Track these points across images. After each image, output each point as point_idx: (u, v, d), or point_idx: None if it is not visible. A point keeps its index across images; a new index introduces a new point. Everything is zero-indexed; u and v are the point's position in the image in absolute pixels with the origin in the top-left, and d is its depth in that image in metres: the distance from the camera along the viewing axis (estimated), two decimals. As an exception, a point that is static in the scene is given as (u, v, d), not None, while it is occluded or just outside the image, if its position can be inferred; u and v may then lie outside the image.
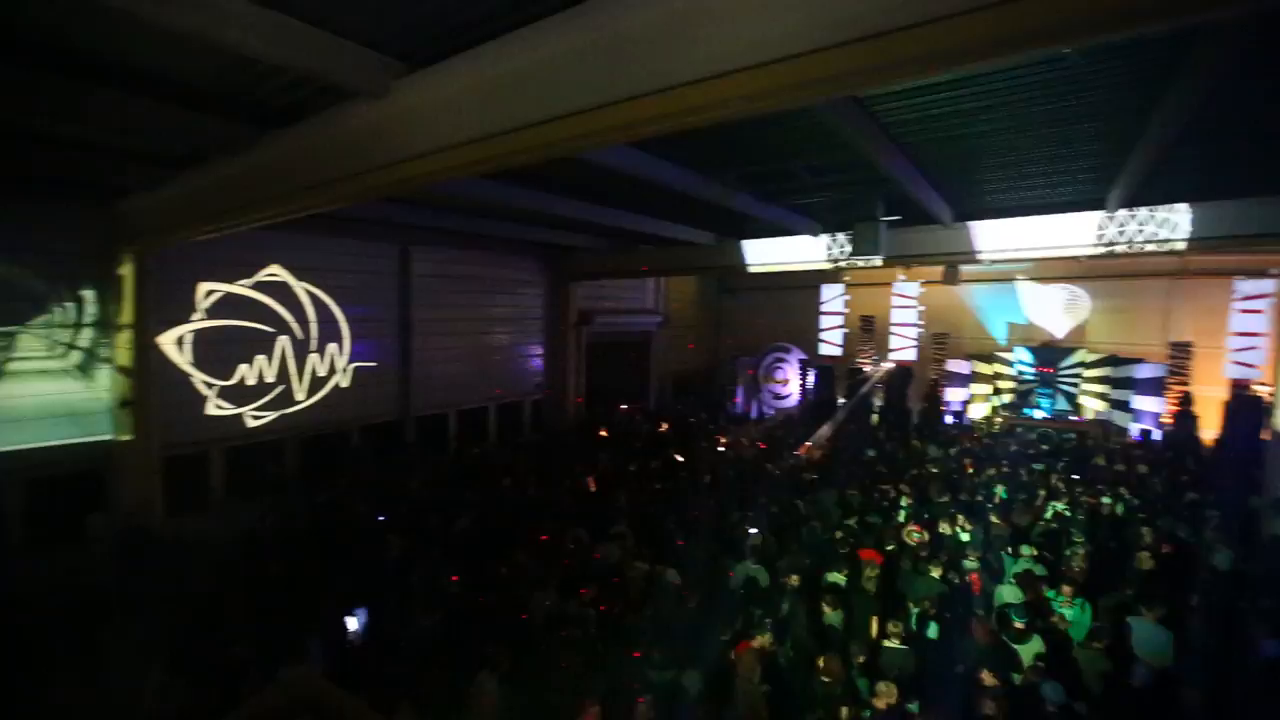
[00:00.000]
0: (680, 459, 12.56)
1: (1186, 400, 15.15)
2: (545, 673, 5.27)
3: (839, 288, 18.48)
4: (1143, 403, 15.77)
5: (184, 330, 10.09)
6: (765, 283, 18.82)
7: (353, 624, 6.24)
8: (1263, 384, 13.53)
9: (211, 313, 10.40)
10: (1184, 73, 4.90)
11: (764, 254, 13.36)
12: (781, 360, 18.53)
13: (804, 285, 18.60)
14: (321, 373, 11.93)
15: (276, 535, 8.68)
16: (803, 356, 18.35)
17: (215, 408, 10.52)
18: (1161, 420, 15.43)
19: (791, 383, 18.32)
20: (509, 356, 15.85)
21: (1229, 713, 4.84)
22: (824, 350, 18.85)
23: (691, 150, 7.94)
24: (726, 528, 8.80)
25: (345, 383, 12.31)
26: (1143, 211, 9.75)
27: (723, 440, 14.52)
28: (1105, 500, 9.89)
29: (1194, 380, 15.32)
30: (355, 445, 12.49)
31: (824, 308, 18.73)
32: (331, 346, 12.06)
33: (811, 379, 18.31)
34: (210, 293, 10.38)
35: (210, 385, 10.43)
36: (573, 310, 16.52)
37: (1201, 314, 15.45)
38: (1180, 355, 15.51)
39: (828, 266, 12.45)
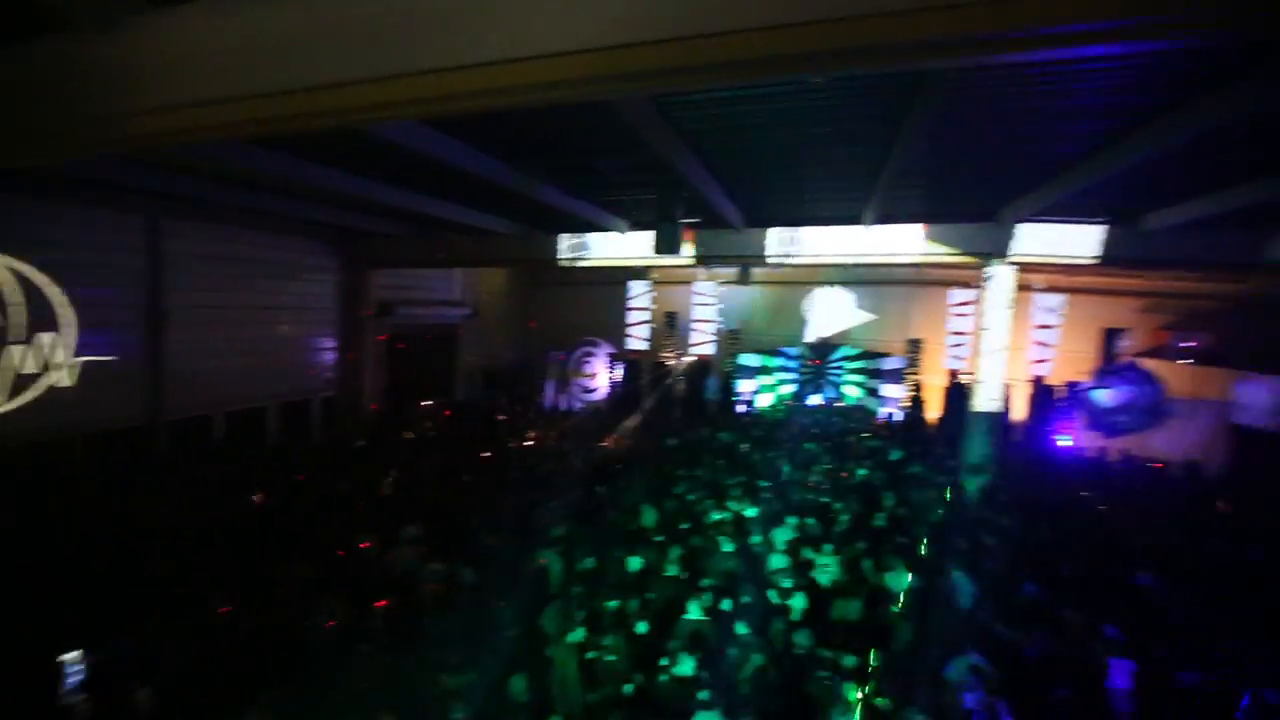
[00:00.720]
0: (486, 455, 12.26)
1: (918, 388, 18.36)
2: (329, 695, 4.82)
3: (645, 284, 19.35)
4: (888, 390, 18.78)
5: None
6: (575, 278, 19.07)
7: (77, 668, 5.14)
8: (968, 373, 16.85)
9: None
10: (911, 114, 5.91)
11: (573, 248, 13.52)
12: (590, 354, 18.93)
13: (612, 281, 19.18)
14: (30, 369, 9.62)
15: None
16: (611, 350, 18.92)
17: None
18: (901, 404, 18.50)
19: (600, 376, 18.81)
20: (294, 350, 14.18)
21: (936, 634, 5.96)
22: (631, 345, 19.63)
23: (499, 139, 7.76)
24: (530, 521, 8.80)
25: (68, 381, 10.07)
26: (888, 228, 11.60)
27: (532, 435, 14.47)
28: (861, 472, 11.63)
29: (925, 371, 18.59)
30: (80, 457, 10.27)
31: (631, 303, 19.48)
32: (45, 336, 9.77)
33: (619, 372, 18.97)
34: None
35: None
36: (371, 300, 15.27)
37: (930, 316, 18.83)
38: (915, 350, 18.73)
39: (633, 263, 12.97)
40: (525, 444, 13.82)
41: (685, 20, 2.91)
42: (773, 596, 6.49)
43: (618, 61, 2.96)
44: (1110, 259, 10.75)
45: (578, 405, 19.09)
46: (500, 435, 14.16)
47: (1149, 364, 15.45)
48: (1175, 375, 15.37)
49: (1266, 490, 12.01)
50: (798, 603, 6.39)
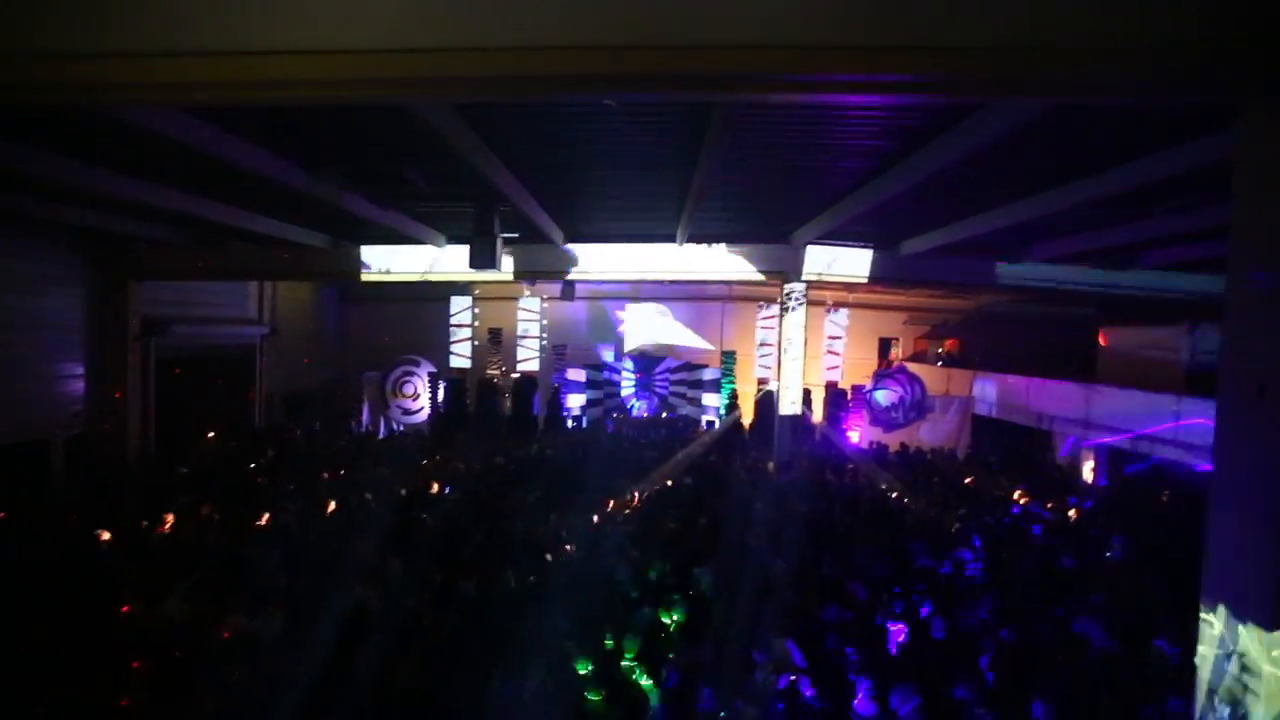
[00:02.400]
0: (292, 488, 11.01)
1: (734, 396, 19.84)
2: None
3: (467, 300, 18.77)
4: (709, 399, 20.07)
5: None
6: (392, 293, 17.97)
7: None
8: (775, 380, 18.58)
9: None
10: (706, 141, 6.42)
11: (386, 262, 12.74)
12: (411, 373, 17.87)
13: (433, 297, 18.35)
14: None
15: None
16: (433, 369, 18.05)
17: None
18: (720, 412, 19.84)
19: (422, 397, 17.83)
20: (21, 379, 11.54)
21: (757, 622, 6.44)
22: (455, 362, 18.88)
23: (293, 140, 7.09)
24: (344, 557, 8.06)
25: None
26: (699, 247, 12.45)
27: (344, 462, 13.27)
28: (687, 481, 12.23)
29: (739, 380, 20.15)
30: None
31: (453, 320, 18.77)
32: None
33: (442, 392, 18.14)
34: None
35: None
36: (135, 318, 13.01)
37: (742, 329, 20.50)
38: (730, 361, 20.24)
39: (451, 278, 12.57)
40: (337, 473, 12.62)
41: (477, 31, 2.90)
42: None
43: (405, 65, 2.86)
44: (877, 278, 12.56)
45: (398, 428, 17.89)
46: (305, 466, 12.79)
47: (914, 367, 18.19)
48: (932, 376, 18.29)
49: (999, 466, 14.72)
50: (629, 611, 6.54)
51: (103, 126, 6.09)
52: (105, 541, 8.31)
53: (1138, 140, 6.35)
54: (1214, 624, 3.34)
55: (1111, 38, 2.78)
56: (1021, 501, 11.86)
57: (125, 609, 6.37)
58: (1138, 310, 15.22)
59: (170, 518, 9.09)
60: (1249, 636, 3.13)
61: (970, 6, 2.76)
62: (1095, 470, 14.73)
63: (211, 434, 14.22)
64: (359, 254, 12.73)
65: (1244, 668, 3.15)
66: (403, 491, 11.13)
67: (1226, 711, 3.21)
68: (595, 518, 9.49)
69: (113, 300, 12.76)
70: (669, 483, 12.19)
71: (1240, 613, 3.21)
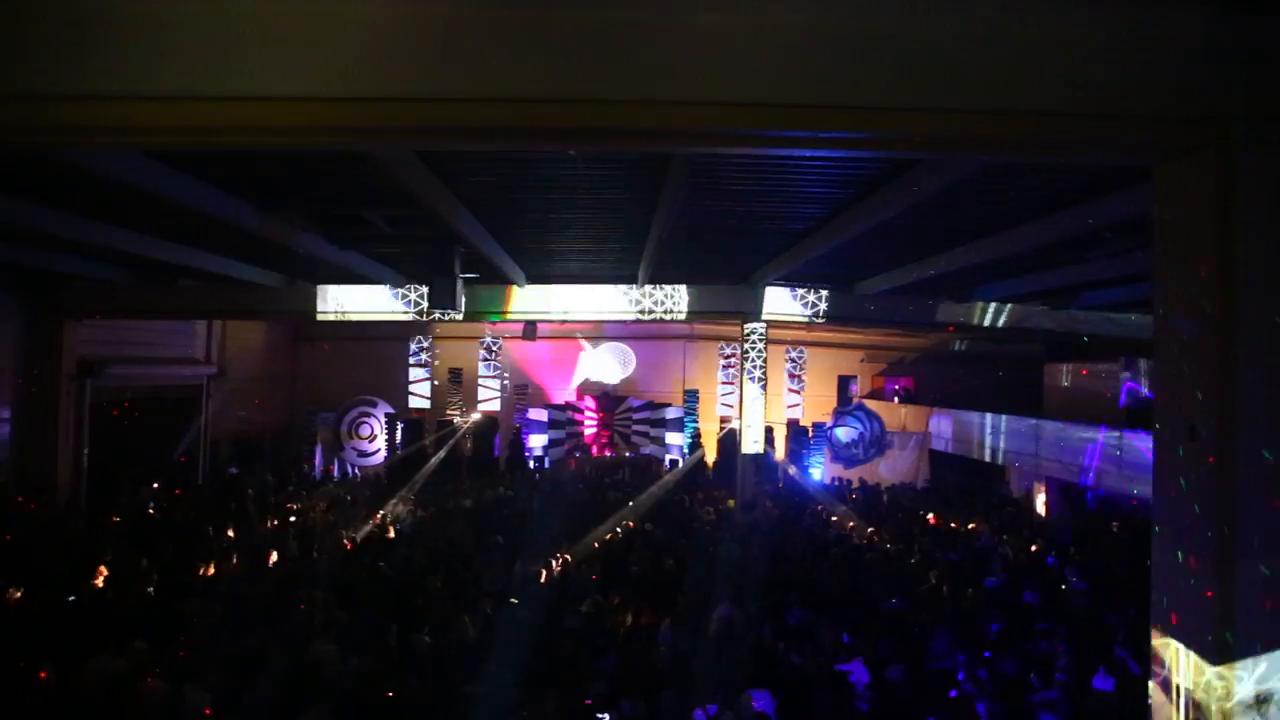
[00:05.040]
0: (232, 535, 10.48)
1: (697, 434, 19.86)
2: None
3: (427, 339, 18.54)
4: (671, 438, 20.02)
5: None
6: (349, 332, 17.61)
7: None
8: (736, 419, 18.69)
9: None
10: (665, 188, 6.56)
11: (343, 302, 12.51)
12: (367, 415, 17.42)
13: (392, 336, 18.06)
14: None
15: None
16: (390, 410, 17.63)
17: None
18: (684, 451, 19.80)
19: (379, 439, 17.36)
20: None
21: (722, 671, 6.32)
22: (413, 403, 18.49)
23: (246, 179, 6.98)
24: (292, 611, 7.65)
25: None
26: (659, 288, 12.60)
27: (294, 509, 12.73)
28: (648, 527, 12.05)
29: (702, 418, 20.19)
30: None
31: (412, 360, 18.47)
32: None
33: (400, 433, 17.71)
34: None
35: None
36: (69, 358, 12.39)
37: (703, 369, 20.66)
38: (692, 400, 20.31)
39: (409, 318, 12.42)
40: (286, 521, 12.07)
41: (432, 81, 2.92)
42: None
43: (363, 113, 2.86)
44: (834, 317, 12.91)
45: (353, 471, 17.31)
46: (249, 513, 12.21)
47: (872, 404, 18.56)
48: (890, 412, 18.67)
49: (956, 500, 14.99)
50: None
51: (40, 162, 5.89)
52: (18, 600, 7.71)
53: (1073, 190, 6.75)
54: (1162, 655, 3.40)
55: (1034, 103, 2.97)
56: (978, 535, 12.05)
57: (42, 675, 5.90)
58: (1080, 347, 15.92)
59: (101, 572, 8.52)
60: (1193, 667, 3.20)
61: (907, 71, 2.92)
62: (1047, 502, 15.13)
63: (156, 484, 13.45)
64: (314, 293, 12.47)
65: (1191, 700, 3.21)
66: (358, 538, 10.72)
67: (1178, 746, 3.25)
68: (558, 563, 9.24)
69: (46, 339, 12.14)
70: (632, 525, 12.02)
71: (1186, 643, 3.28)
